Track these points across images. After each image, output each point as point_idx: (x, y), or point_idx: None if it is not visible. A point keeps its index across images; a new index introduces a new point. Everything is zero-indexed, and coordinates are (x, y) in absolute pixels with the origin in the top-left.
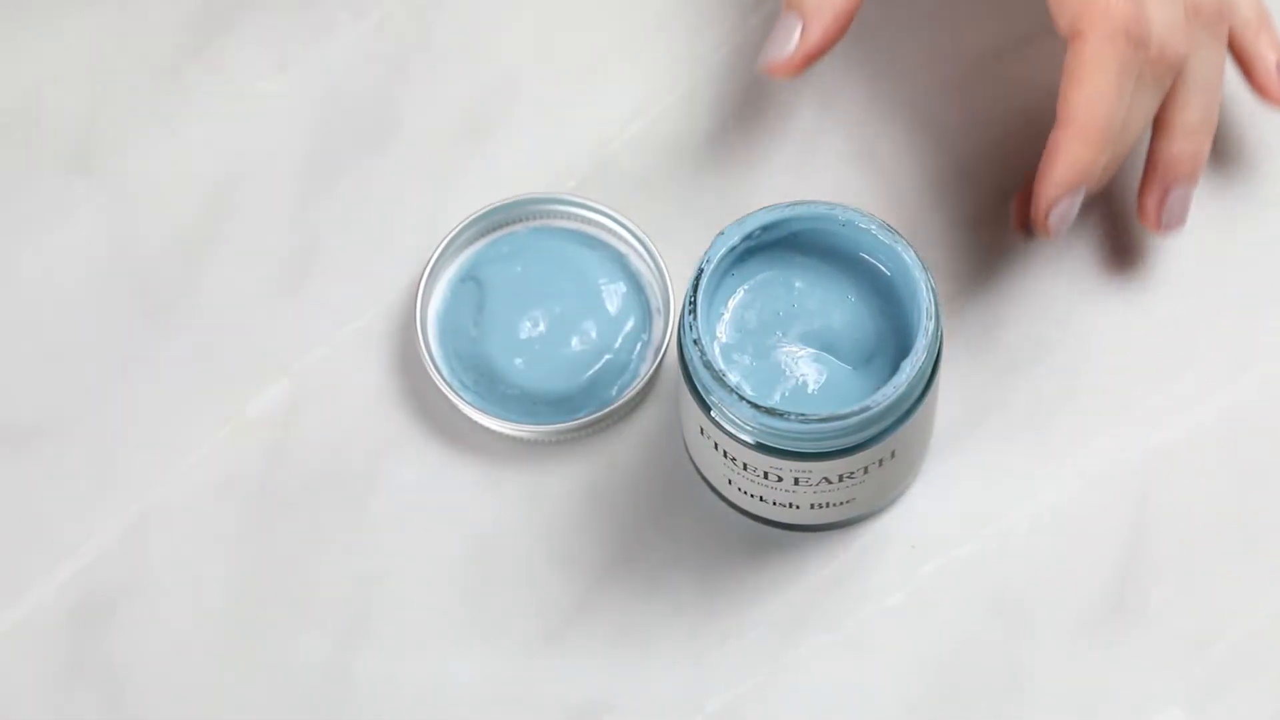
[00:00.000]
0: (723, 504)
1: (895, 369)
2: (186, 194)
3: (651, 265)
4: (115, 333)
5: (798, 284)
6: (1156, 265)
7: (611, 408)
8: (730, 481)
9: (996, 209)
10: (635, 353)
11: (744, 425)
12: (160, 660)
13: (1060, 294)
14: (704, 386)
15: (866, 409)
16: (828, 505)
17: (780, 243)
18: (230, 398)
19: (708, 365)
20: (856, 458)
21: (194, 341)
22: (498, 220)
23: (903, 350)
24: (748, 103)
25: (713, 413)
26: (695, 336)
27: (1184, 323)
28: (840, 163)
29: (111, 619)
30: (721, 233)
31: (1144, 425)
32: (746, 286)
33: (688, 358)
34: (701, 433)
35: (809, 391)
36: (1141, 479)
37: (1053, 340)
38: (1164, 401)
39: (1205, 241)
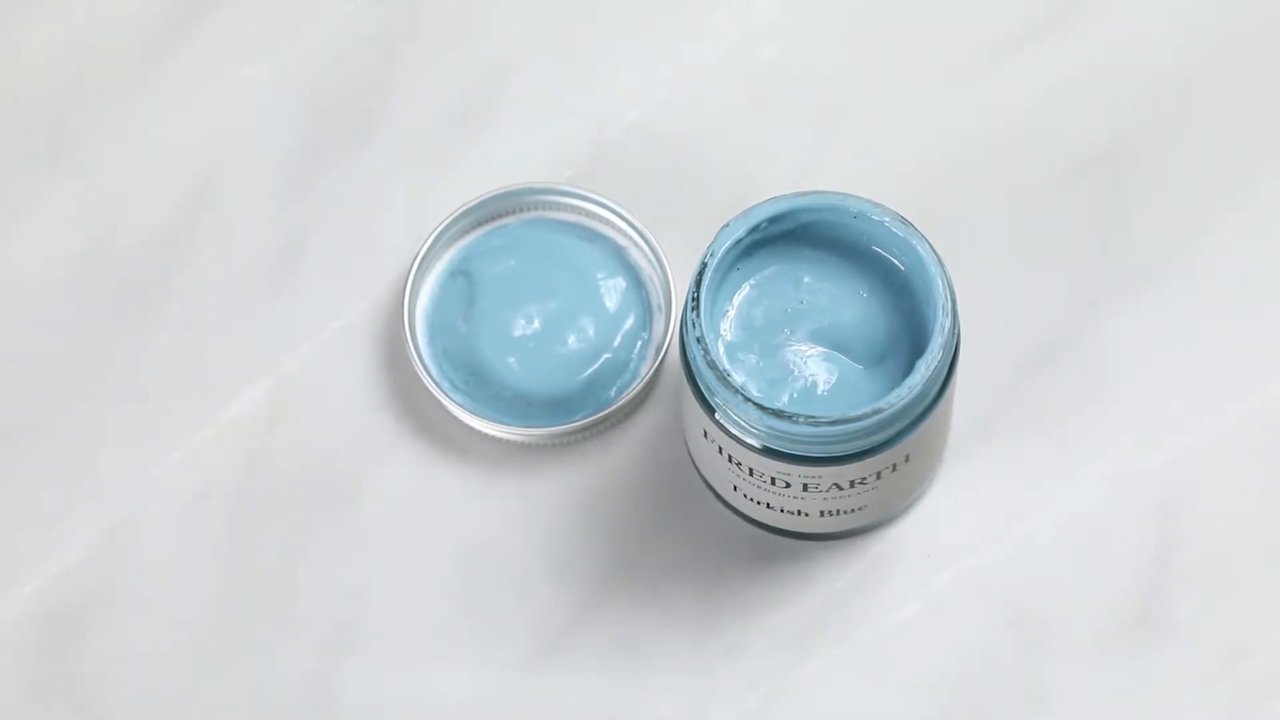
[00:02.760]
0: (727, 511)
1: (910, 369)
2: (165, 186)
3: (652, 259)
4: (89, 331)
5: (807, 279)
6: (1182, 261)
7: (610, 409)
8: (735, 487)
9: (1015, 201)
10: (635, 352)
11: (750, 428)
12: (135, 674)
13: (1082, 290)
14: (708, 387)
15: (879, 411)
16: (838, 513)
17: (788, 235)
18: (209, 399)
19: (711, 365)
20: (869, 462)
21: (172, 340)
22: (490, 212)
23: (918, 349)
24: (754, 88)
25: (717, 415)
26: (698, 334)
27: (1212, 321)
28: (852, 152)
29: (84, 631)
30: (726, 225)
31: (1170, 428)
32: (752, 282)
33: (690, 357)
34: (705, 436)
35: (818, 392)
36: (1168, 484)
37: (1074, 339)
38: (1191, 403)
39: (1233, 237)
